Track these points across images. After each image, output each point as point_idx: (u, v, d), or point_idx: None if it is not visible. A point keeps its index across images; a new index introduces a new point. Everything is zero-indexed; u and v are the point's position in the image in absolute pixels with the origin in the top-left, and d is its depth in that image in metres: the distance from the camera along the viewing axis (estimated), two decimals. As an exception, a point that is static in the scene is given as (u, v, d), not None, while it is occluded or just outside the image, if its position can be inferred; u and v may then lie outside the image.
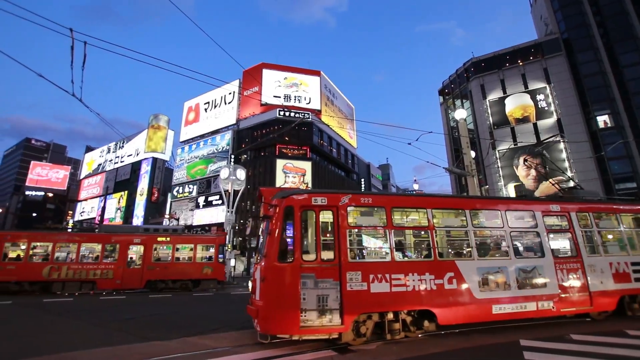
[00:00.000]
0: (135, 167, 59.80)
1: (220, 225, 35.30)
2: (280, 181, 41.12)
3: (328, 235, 6.59)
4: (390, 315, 6.23)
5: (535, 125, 39.13)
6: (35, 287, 15.60)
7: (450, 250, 7.45)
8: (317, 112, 47.25)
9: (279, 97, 46.39)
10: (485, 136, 39.79)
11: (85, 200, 68.23)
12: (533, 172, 37.83)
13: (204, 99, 54.08)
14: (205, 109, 53.68)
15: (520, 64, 41.65)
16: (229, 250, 24.31)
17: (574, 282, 7.42)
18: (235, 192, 27.32)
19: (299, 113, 44.19)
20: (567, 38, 40.52)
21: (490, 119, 41.48)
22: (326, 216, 6.50)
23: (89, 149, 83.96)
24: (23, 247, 15.82)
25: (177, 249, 17.74)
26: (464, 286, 6.60)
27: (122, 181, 61.56)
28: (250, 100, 46.96)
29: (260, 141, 41.74)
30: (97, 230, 19.55)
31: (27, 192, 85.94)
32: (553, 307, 7.07)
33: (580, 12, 40.37)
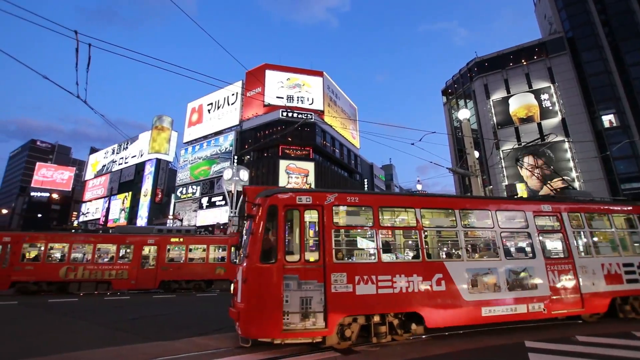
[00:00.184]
0: (139, 168, 60.12)
1: (222, 226, 35.37)
2: (283, 182, 41.15)
3: (313, 235, 6.45)
4: (377, 318, 6.08)
5: (539, 124, 38.87)
6: (53, 287, 15.87)
7: (439, 251, 7.33)
8: (320, 113, 47.24)
9: (282, 97, 46.44)
10: (489, 136, 39.58)
11: (90, 201, 68.67)
12: (537, 171, 37.58)
13: (207, 100, 54.27)
14: (209, 110, 53.87)
15: (524, 63, 41.39)
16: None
17: (565, 283, 7.31)
18: (239, 193, 27.39)
19: (301, 114, 44.23)
20: (572, 37, 40.22)
21: (494, 118, 41.26)
22: (311, 216, 6.37)
23: (93, 150, 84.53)
24: (41, 248, 16.04)
25: (190, 250, 17.93)
26: (453, 288, 6.46)
27: (126, 182, 61.91)
28: (253, 101, 47.06)
29: (263, 142, 41.80)
30: (101, 231, 19.70)
31: (32, 193, 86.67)
32: (544, 310, 6.95)
33: (584, 10, 40.06)
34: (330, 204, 6.24)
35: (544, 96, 39.40)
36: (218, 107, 52.63)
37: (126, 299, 14.36)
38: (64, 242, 16.39)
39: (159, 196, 56.73)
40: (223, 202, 43.20)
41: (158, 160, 57.86)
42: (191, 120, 55.93)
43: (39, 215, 74.58)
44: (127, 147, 64.77)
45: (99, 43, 6.77)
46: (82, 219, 68.05)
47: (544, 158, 37.62)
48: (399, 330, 6.21)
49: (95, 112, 9.24)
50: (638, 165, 34.54)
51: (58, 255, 16.31)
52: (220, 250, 18.48)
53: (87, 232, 26.63)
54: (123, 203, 60.76)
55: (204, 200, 47.77)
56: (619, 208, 8.93)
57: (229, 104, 51.32)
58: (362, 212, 6.75)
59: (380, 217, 6.56)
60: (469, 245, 7.36)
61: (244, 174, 29.01)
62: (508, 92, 41.39)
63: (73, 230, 27.61)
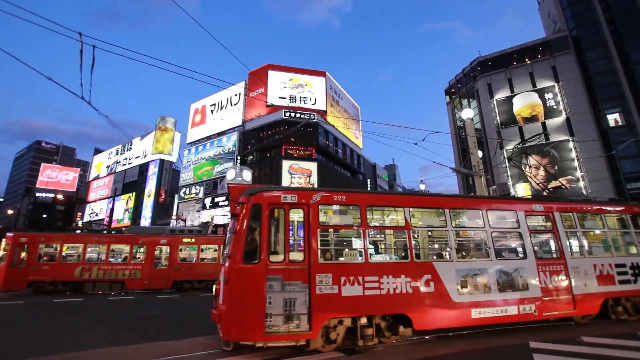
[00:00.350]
0: (143, 168, 60.38)
1: (224, 226, 35.43)
2: (286, 182, 41.16)
3: (298, 235, 6.26)
4: (364, 320, 5.95)
5: (543, 124, 38.62)
6: (68, 287, 16.10)
7: (428, 251, 7.24)
8: (323, 113, 47.21)
9: (285, 98, 46.46)
10: (493, 136, 39.38)
11: (94, 201, 69.09)
12: (542, 171, 37.33)
13: (210, 100, 54.40)
14: (212, 111, 54.00)
15: (528, 62, 41.15)
16: None
17: (557, 284, 7.22)
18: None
19: (304, 114, 44.22)
20: (576, 35, 39.92)
21: (498, 118, 41.04)
22: (297, 215, 6.23)
23: (97, 151, 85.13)
24: (56, 248, 16.27)
25: (202, 250, 18.05)
26: (442, 289, 6.34)
27: (130, 183, 62.20)
28: (256, 102, 47.12)
29: (266, 142, 41.85)
30: (114, 231, 19.91)
31: (37, 194, 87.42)
32: (535, 311, 6.85)
33: (589, 8, 39.76)
34: (316, 203, 6.11)
35: (548, 95, 39.14)
36: (221, 108, 52.75)
37: (130, 299, 14.42)
38: (79, 242, 16.65)
39: (163, 197, 56.95)
40: (226, 203, 43.29)
41: (161, 161, 58.09)
42: (194, 121, 56.09)
43: (44, 216, 75.15)
44: (130, 148, 65.10)
45: (103, 45, 6.80)
46: (86, 219, 68.47)
47: (548, 157, 37.39)
48: (386, 332, 6.09)
49: (99, 113, 9.28)
50: (644, 165, 34.22)
51: (73, 255, 16.54)
52: None
53: (92, 232, 26.82)
54: (127, 203, 61.07)
55: (207, 201, 47.90)
56: (611, 208, 8.82)
57: (231, 105, 51.42)
58: (350, 211, 6.64)
59: (368, 217, 6.44)
60: (459, 246, 7.25)
61: (247, 175, 29.07)
62: (512, 91, 41.16)
63: (78, 231, 27.81)
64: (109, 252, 16.54)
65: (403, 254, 6.68)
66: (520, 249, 7.40)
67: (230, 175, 28.73)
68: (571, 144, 36.69)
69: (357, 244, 6.44)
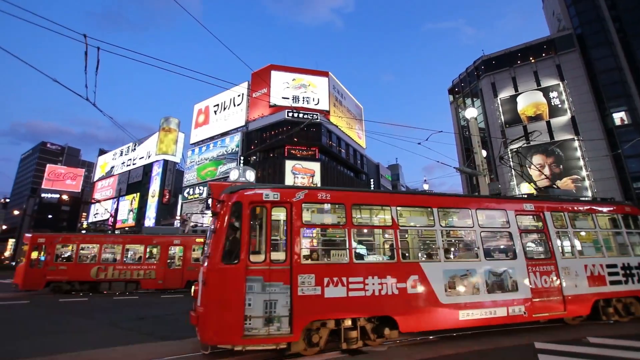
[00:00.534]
0: (147, 169, 60.71)
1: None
2: (289, 182, 41.19)
3: (280, 234, 6.17)
4: (348, 323, 5.79)
5: (548, 123, 38.35)
6: (85, 286, 16.36)
7: (415, 251, 7.12)
8: (326, 113, 47.20)
9: (288, 98, 46.51)
10: (497, 135, 39.15)
11: (99, 202, 69.56)
12: (547, 171, 37.07)
13: (214, 101, 54.59)
14: (215, 112, 54.18)
15: (532, 61, 40.87)
16: None
17: (547, 285, 7.09)
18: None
19: (307, 114, 44.22)
20: (581, 33, 39.59)
21: (502, 117, 40.80)
22: (279, 213, 6.10)
23: (102, 152, 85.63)
24: (73, 248, 16.55)
25: None
26: (429, 290, 6.20)
27: (134, 183, 62.57)
28: (259, 102, 47.20)
29: (269, 142, 41.92)
30: (129, 231, 20.10)
31: (43, 195, 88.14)
32: (525, 313, 6.72)
33: (594, 6, 39.40)
34: (299, 201, 5.94)
35: (553, 94, 38.85)
36: (224, 108, 52.91)
37: (134, 299, 14.50)
38: (95, 243, 16.89)
39: (167, 197, 57.23)
40: (230, 203, 43.28)
41: (165, 162, 58.39)
42: (198, 122, 56.32)
43: (50, 216, 75.79)
44: (135, 149, 65.48)
45: (107, 46, 6.84)
46: (91, 219, 68.97)
47: (553, 157, 37.12)
48: (371, 335, 5.93)
49: (104, 115, 9.33)
50: (651, 164, 33.87)
51: (89, 255, 16.79)
52: None
53: (96, 232, 27.01)
54: (131, 204, 61.43)
55: (211, 201, 48.05)
56: (603, 208, 8.70)
57: (235, 105, 51.56)
58: (334, 209, 6.49)
59: (353, 216, 6.30)
60: (448, 246, 7.12)
61: (251, 175, 29.14)
62: (516, 90, 40.90)
63: (83, 231, 28.02)
64: (124, 252, 16.77)
65: (389, 254, 6.54)
66: (509, 249, 7.27)
67: (234, 175, 28.82)
68: (576, 143, 36.39)
69: (341, 243, 6.28)
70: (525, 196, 9.20)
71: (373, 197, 7.05)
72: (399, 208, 6.64)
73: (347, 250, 5.98)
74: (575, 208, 8.27)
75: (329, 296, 5.58)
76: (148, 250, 17.09)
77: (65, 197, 71.22)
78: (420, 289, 6.16)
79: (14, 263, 69.15)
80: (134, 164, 64.36)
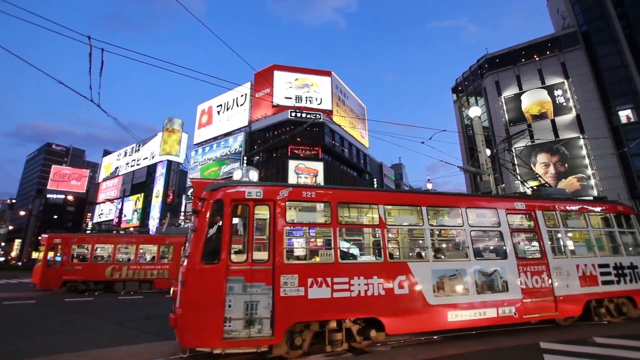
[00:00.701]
0: (151, 169, 61.02)
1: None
2: (292, 182, 41.26)
3: (263, 233, 5.98)
4: (333, 324, 5.63)
5: (553, 121, 38.06)
6: (100, 286, 16.62)
7: (403, 250, 6.99)
8: (329, 113, 47.15)
9: (290, 98, 46.52)
10: (501, 133, 38.90)
11: (104, 202, 70.04)
12: (552, 169, 36.82)
13: (217, 101, 54.74)
14: (218, 112, 54.33)
15: (537, 59, 40.57)
16: None
17: (538, 285, 6.96)
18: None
19: (310, 114, 44.21)
20: (586, 31, 39.23)
21: (506, 116, 40.56)
22: (262, 212, 5.89)
23: (106, 153, 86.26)
24: (88, 248, 16.80)
25: None
26: (417, 291, 6.06)
27: (138, 184, 62.91)
28: (262, 102, 47.28)
29: (272, 142, 41.97)
30: (119, 231, 20.24)
31: (48, 195, 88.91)
32: (515, 314, 6.60)
33: (599, 3, 39.03)
34: (283, 199, 5.78)
35: (558, 92, 38.55)
36: (227, 109, 53.05)
37: (140, 299, 14.59)
38: (109, 243, 17.08)
39: (171, 197, 57.49)
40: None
41: (169, 162, 58.65)
42: (201, 122, 56.51)
43: (55, 217, 76.42)
44: (139, 149, 65.85)
45: (111, 47, 6.88)
46: (96, 220, 69.46)
47: (558, 155, 36.84)
48: (357, 337, 5.79)
49: (108, 115, 9.39)
50: (657, 162, 33.51)
51: (104, 255, 17.02)
52: None
53: (102, 232, 27.19)
54: (135, 204, 61.78)
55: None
56: (595, 207, 8.58)
57: (238, 105, 51.68)
58: (319, 208, 6.33)
59: (339, 214, 6.14)
60: (437, 245, 7.01)
61: (254, 175, 29.13)
62: (520, 88, 40.63)
63: (88, 231, 28.22)
64: (137, 252, 16.96)
65: (376, 254, 6.40)
66: (500, 249, 7.15)
67: (237, 175, 28.83)
68: (581, 142, 36.09)
69: (327, 242, 6.16)
70: (517, 195, 9.10)
71: (360, 196, 6.80)
72: (386, 206, 6.51)
73: (332, 249, 5.82)
74: (568, 207, 8.17)
75: (312, 297, 5.42)
76: (161, 250, 17.30)
77: (70, 197, 71.86)
78: (408, 289, 6.01)
79: (19, 263, 69.85)
80: (138, 165, 64.73)
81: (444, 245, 7.44)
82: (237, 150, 48.14)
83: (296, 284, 5.39)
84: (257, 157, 47.01)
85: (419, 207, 6.68)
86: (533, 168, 30.61)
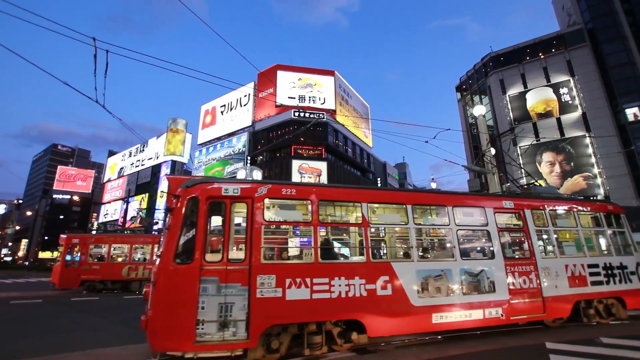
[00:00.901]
0: (155, 170, 61.36)
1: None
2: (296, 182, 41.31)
3: (240, 232, 5.77)
4: (313, 327, 5.46)
5: (558, 119, 37.72)
6: (117, 285, 16.86)
7: (387, 250, 6.85)
8: (332, 112, 47.13)
9: (294, 98, 46.55)
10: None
11: (109, 202, 70.59)
12: (557, 168, 36.51)
13: (220, 102, 54.94)
14: (222, 112, 54.52)
15: (542, 57, 40.21)
16: None
17: (526, 286, 6.83)
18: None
19: (313, 113, 44.21)
20: (592, 28, 38.81)
21: (511, 114, 40.26)
22: (240, 210, 5.70)
23: (111, 153, 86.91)
24: (105, 248, 17.05)
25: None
26: (400, 292, 5.87)
27: (143, 184, 63.31)
28: (265, 102, 47.36)
29: (276, 142, 42.03)
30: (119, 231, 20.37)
31: (54, 196, 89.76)
32: (502, 315, 6.45)
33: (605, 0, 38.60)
34: (261, 196, 5.59)
35: (563, 90, 38.19)
36: (231, 109, 53.22)
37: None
38: (125, 243, 17.29)
39: (175, 197, 57.76)
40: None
41: (173, 162, 58.96)
42: (205, 122, 56.74)
43: (61, 217, 77.12)
44: (143, 150, 66.26)
45: (115, 49, 6.92)
46: (101, 220, 70.03)
47: (564, 154, 36.51)
48: (338, 340, 5.61)
49: (113, 116, 9.44)
50: (665, 160, 33.08)
51: (121, 255, 17.25)
52: None
53: (107, 232, 27.42)
54: (140, 204, 62.18)
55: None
56: (585, 206, 8.46)
57: (241, 105, 51.82)
58: (300, 206, 6.15)
59: (320, 212, 5.97)
60: (422, 245, 6.86)
61: (257, 175, 29.20)
62: (525, 86, 40.31)
63: (93, 232, 28.47)
64: (153, 252, 17.06)
65: (359, 253, 6.22)
66: (487, 249, 7.02)
67: (241, 175, 28.92)
68: (588, 140, 35.73)
69: (307, 242, 5.99)
70: (506, 193, 8.96)
71: (343, 193, 6.54)
72: (370, 205, 6.34)
73: (313, 248, 5.62)
74: (557, 206, 8.04)
75: (291, 298, 5.24)
76: None
77: (76, 197, 72.47)
78: (391, 290, 5.83)
79: (26, 263, 70.61)
80: (142, 165, 65.14)
81: (429, 245, 7.30)
82: (240, 150, 48.28)
83: (273, 285, 5.20)
84: (261, 157, 47.11)
85: (404, 206, 6.49)
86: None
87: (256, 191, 5.60)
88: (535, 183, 10.22)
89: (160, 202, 57.83)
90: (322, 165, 43.20)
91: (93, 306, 12.43)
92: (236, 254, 5.44)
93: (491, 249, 6.88)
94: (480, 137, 16.42)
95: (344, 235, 7.22)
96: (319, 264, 5.57)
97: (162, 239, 5.48)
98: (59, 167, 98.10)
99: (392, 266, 6.00)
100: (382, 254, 7.37)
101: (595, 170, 34.88)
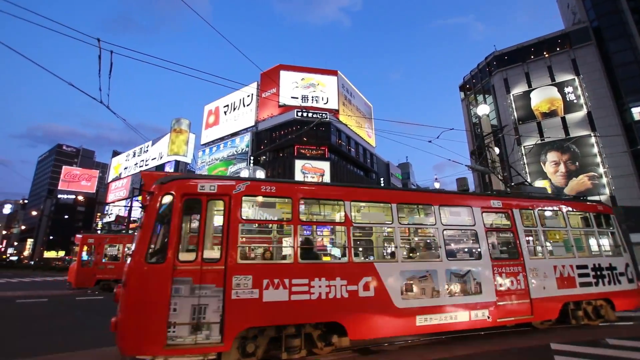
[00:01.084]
0: (159, 170, 61.68)
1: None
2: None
3: (216, 230, 5.58)
4: (292, 330, 5.29)
5: (563, 119, 37.42)
6: None
7: (370, 250, 6.74)
8: (335, 112, 47.12)
9: (297, 98, 46.60)
10: (510, 132, 38.41)
11: (113, 202, 71.06)
12: (562, 168, 36.24)
13: (224, 102, 55.12)
14: (225, 112, 54.70)
15: (546, 55, 39.90)
16: None
17: (513, 287, 6.70)
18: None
19: (316, 113, 44.22)
20: (598, 26, 38.44)
21: (515, 114, 40.00)
22: (217, 207, 5.52)
23: (115, 154, 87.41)
24: (119, 248, 17.30)
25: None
26: (383, 293, 5.70)
27: (147, 184, 63.68)
28: (268, 102, 47.45)
29: (279, 142, 42.09)
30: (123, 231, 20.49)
31: (59, 196, 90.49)
32: (488, 317, 6.33)
33: (611, -3, 38.22)
34: (239, 194, 5.39)
35: (568, 89, 37.87)
36: (234, 109, 53.36)
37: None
38: None
39: (178, 197, 58.03)
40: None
41: (177, 162, 59.24)
42: (208, 122, 56.95)
43: (66, 217, 77.74)
44: (147, 150, 66.64)
45: (119, 49, 6.95)
46: (106, 220, 70.49)
47: (569, 153, 36.23)
48: (318, 343, 5.43)
49: (117, 117, 9.49)
50: (672, 160, 32.71)
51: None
52: None
53: (109, 232, 27.58)
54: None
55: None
56: (575, 206, 8.34)
57: (244, 106, 51.95)
58: (279, 204, 6.02)
59: (301, 211, 5.79)
60: (407, 245, 6.73)
61: (261, 174, 29.29)
62: (529, 86, 40.02)
63: (99, 231, 28.66)
64: None
65: (341, 253, 6.07)
66: (474, 249, 6.86)
67: (244, 175, 29.04)
68: (593, 139, 35.42)
69: (286, 241, 5.87)
70: (494, 192, 8.86)
71: (325, 191, 6.38)
72: (353, 203, 6.16)
73: (292, 248, 5.44)
74: (546, 206, 7.93)
75: (268, 300, 5.04)
76: None
77: (80, 197, 72.97)
78: (374, 292, 5.66)
79: (32, 262, 71.21)
80: (146, 165, 65.47)
81: (414, 245, 7.20)
82: (243, 150, 48.40)
83: (250, 286, 5.01)
84: (264, 157, 47.19)
85: (388, 204, 6.33)
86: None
87: (234, 188, 5.42)
88: (525, 183, 10.08)
89: (164, 202, 58.18)
90: (325, 165, 43.20)
91: (97, 305, 12.51)
92: (211, 253, 5.25)
93: (478, 249, 6.75)
94: (484, 137, 16.32)
95: (331, 235, 7.09)
96: (298, 264, 5.39)
97: (134, 238, 5.30)
98: (63, 167, 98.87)
99: (376, 267, 5.85)
100: (366, 254, 7.24)
101: (601, 169, 34.58)
